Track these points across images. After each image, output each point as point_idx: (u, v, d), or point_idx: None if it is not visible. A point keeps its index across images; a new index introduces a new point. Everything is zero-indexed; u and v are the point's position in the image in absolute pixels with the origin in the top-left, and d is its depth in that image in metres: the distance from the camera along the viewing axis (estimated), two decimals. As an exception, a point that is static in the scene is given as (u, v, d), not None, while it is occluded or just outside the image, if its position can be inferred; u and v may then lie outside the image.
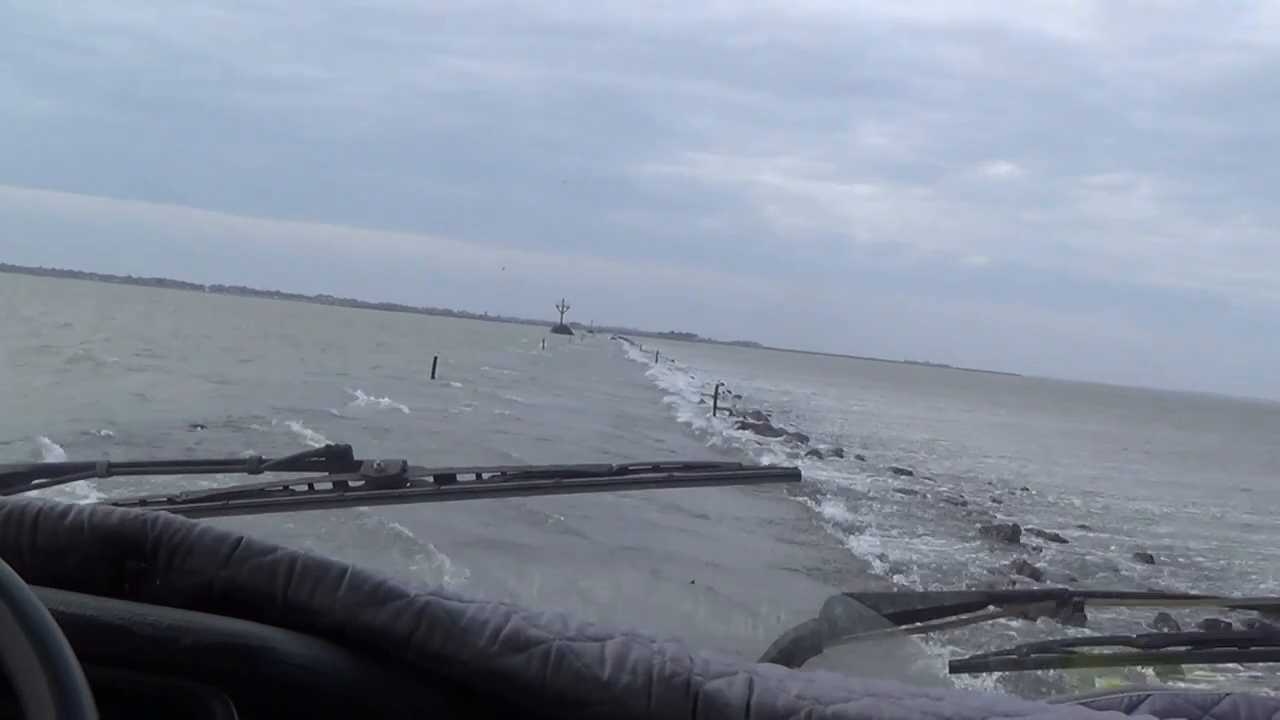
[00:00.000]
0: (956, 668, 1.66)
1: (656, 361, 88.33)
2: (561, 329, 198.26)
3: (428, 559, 9.64)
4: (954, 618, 1.66)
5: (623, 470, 1.95)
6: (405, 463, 1.84)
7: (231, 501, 1.75)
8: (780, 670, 0.96)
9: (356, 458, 1.85)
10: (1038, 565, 14.59)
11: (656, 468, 1.99)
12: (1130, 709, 1.09)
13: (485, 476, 1.91)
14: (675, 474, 1.98)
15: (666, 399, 40.10)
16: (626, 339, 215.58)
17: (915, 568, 13.57)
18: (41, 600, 0.78)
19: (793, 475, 2.52)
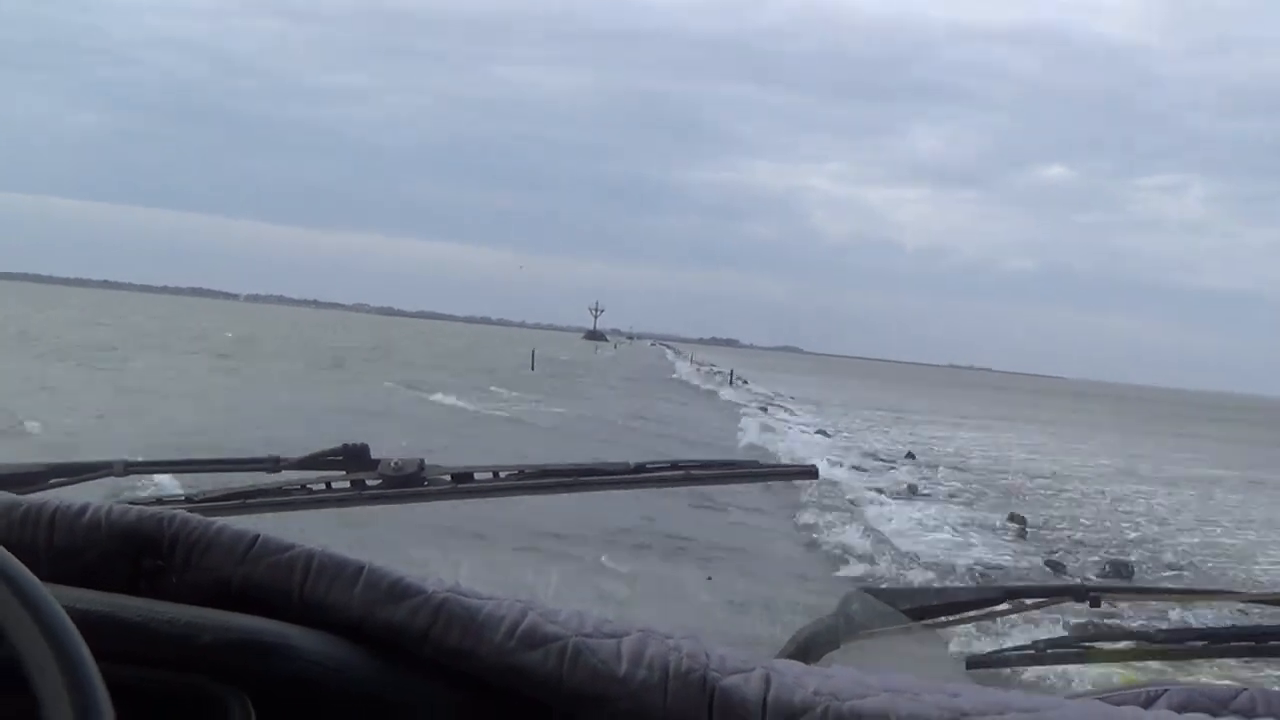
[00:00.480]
0: (974, 663, 1.65)
1: (731, 384, 58.27)
2: (595, 335, 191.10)
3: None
4: (971, 613, 1.66)
5: (640, 468, 1.95)
6: (423, 461, 1.84)
7: (249, 500, 1.75)
8: (797, 666, 0.96)
9: (374, 456, 1.85)
10: None
11: (675, 465, 1.99)
12: (1148, 704, 1.09)
13: (503, 475, 1.92)
14: (693, 472, 1.98)
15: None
16: (669, 345, 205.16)
17: None
18: (58, 598, 0.79)
19: (810, 473, 2.51)
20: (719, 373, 73.43)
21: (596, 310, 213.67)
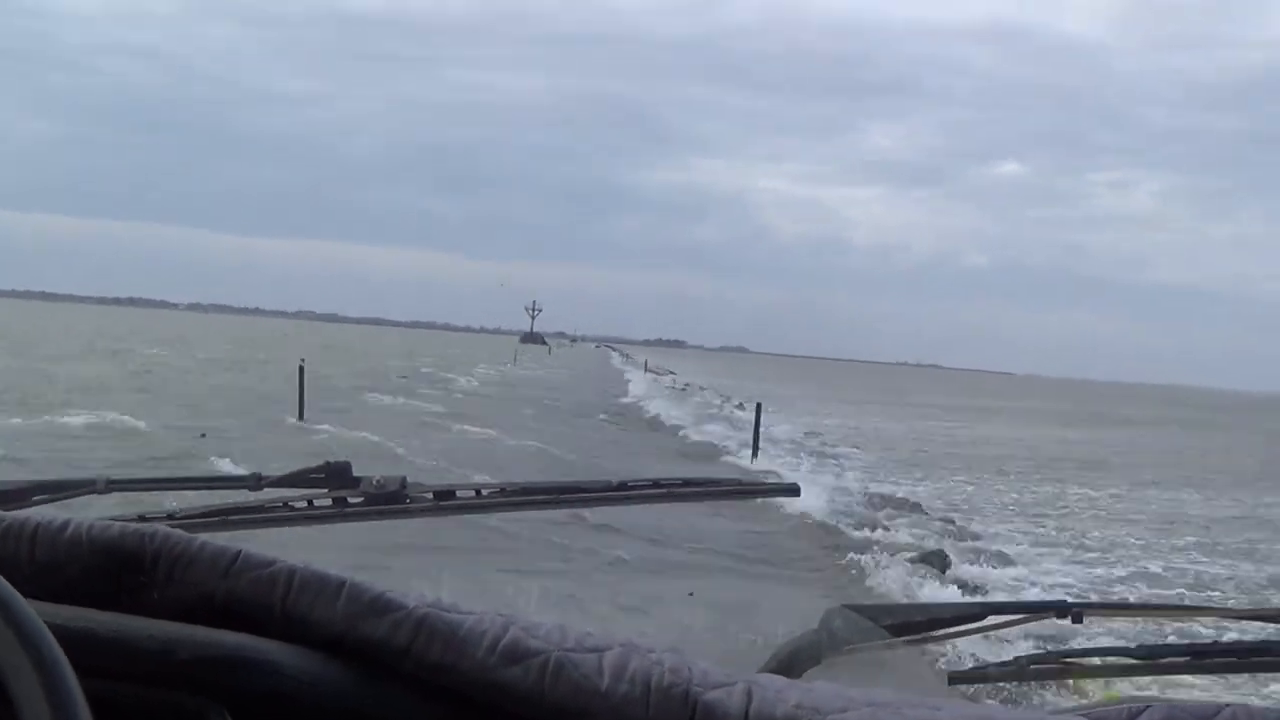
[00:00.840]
0: (955, 679, 1.66)
1: (685, 390, 56.12)
2: (532, 338, 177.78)
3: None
4: (953, 629, 1.66)
5: (622, 486, 1.96)
6: (405, 479, 1.85)
7: (231, 517, 1.75)
8: (779, 680, 0.96)
9: (356, 474, 1.85)
10: None
11: (656, 484, 1.99)
12: None
13: (485, 493, 1.92)
14: (675, 490, 1.99)
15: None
16: (614, 348, 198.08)
17: None
18: (39, 613, 0.78)
19: (792, 490, 2.53)
20: (690, 388, 61.01)
21: (534, 310, 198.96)
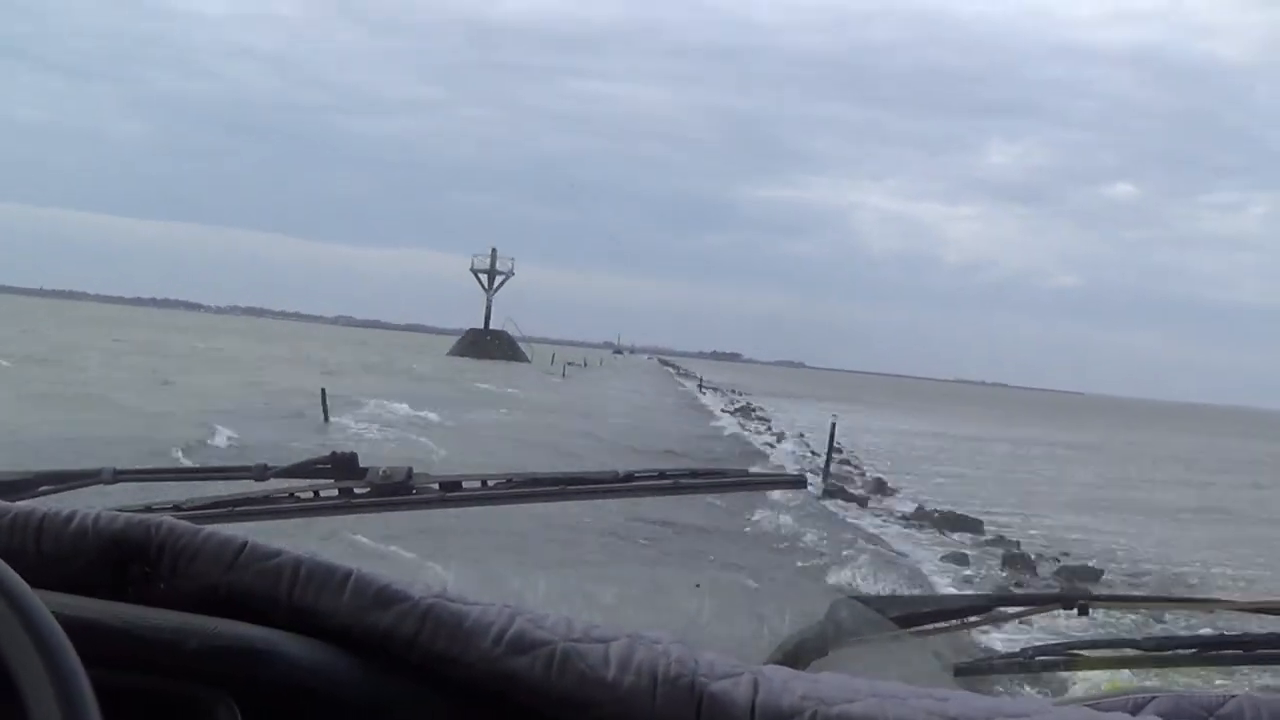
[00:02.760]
0: (962, 670, 1.66)
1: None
2: (489, 339, 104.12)
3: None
4: (959, 620, 1.66)
5: (629, 477, 1.95)
6: (411, 469, 1.85)
7: (237, 508, 1.75)
8: (785, 671, 0.96)
9: (362, 465, 1.85)
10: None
11: (662, 474, 1.99)
12: (1135, 711, 1.09)
13: (491, 484, 1.92)
14: (681, 480, 1.99)
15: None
16: (668, 362, 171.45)
17: None
18: (46, 604, 0.79)
19: (799, 482, 2.53)
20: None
21: (491, 266, 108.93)
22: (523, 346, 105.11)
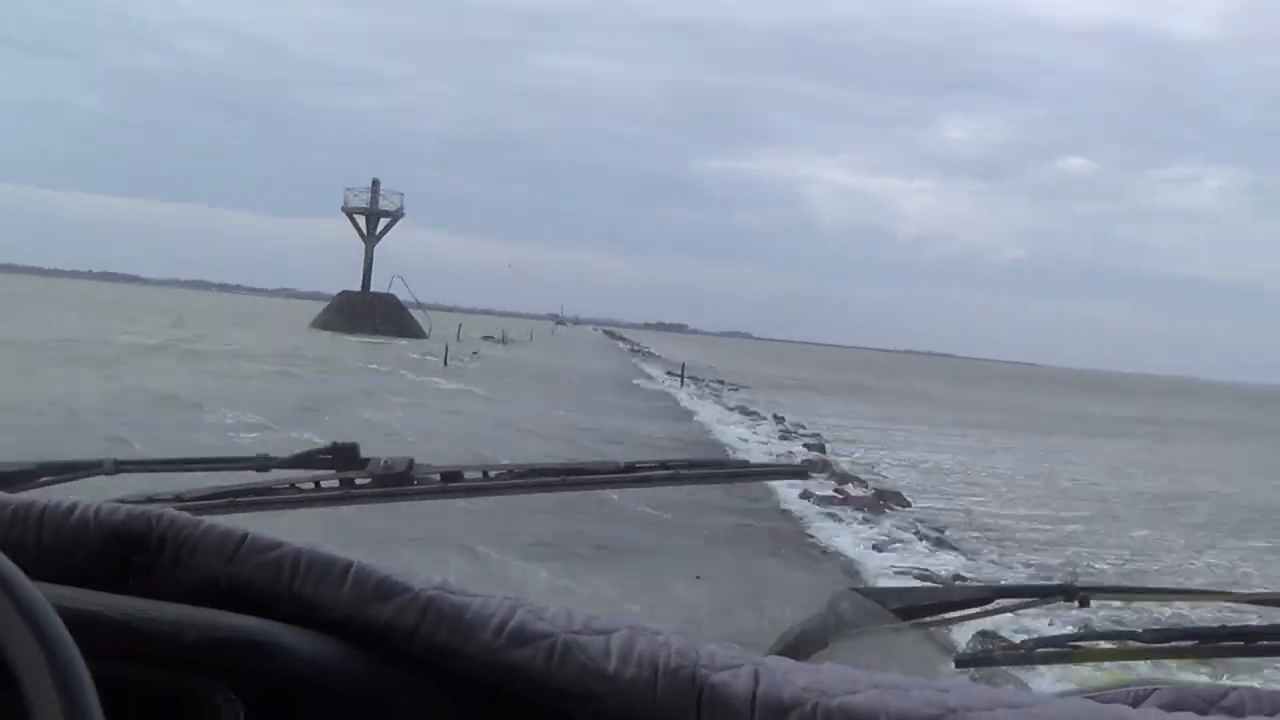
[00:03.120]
0: (962, 662, 1.66)
1: None
2: (367, 299, 76.93)
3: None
4: (960, 612, 1.66)
5: (630, 468, 1.96)
6: (412, 460, 1.85)
7: (238, 499, 1.75)
8: (786, 663, 0.96)
9: (364, 455, 1.86)
10: None
11: (664, 465, 1.99)
12: (1137, 703, 1.09)
13: (492, 474, 1.92)
14: (682, 472, 1.99)
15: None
16: (614, 334, 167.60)
17: None
18: (46, 596, 0.79)
19: (800, 473, 2.54)
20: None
21: (372, 210, 78.40)
22: (417, 315, 77.91)
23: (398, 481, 1.83)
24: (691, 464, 2.04)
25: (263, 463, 1.89)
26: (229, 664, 0.89)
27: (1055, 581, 1.79)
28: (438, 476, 1.88)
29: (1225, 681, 1.15)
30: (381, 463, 1.83)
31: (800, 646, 1.50)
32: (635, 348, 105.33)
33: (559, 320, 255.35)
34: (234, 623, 0.91)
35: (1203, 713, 1.08)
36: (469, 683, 0.92)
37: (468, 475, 1.90)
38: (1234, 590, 2.09)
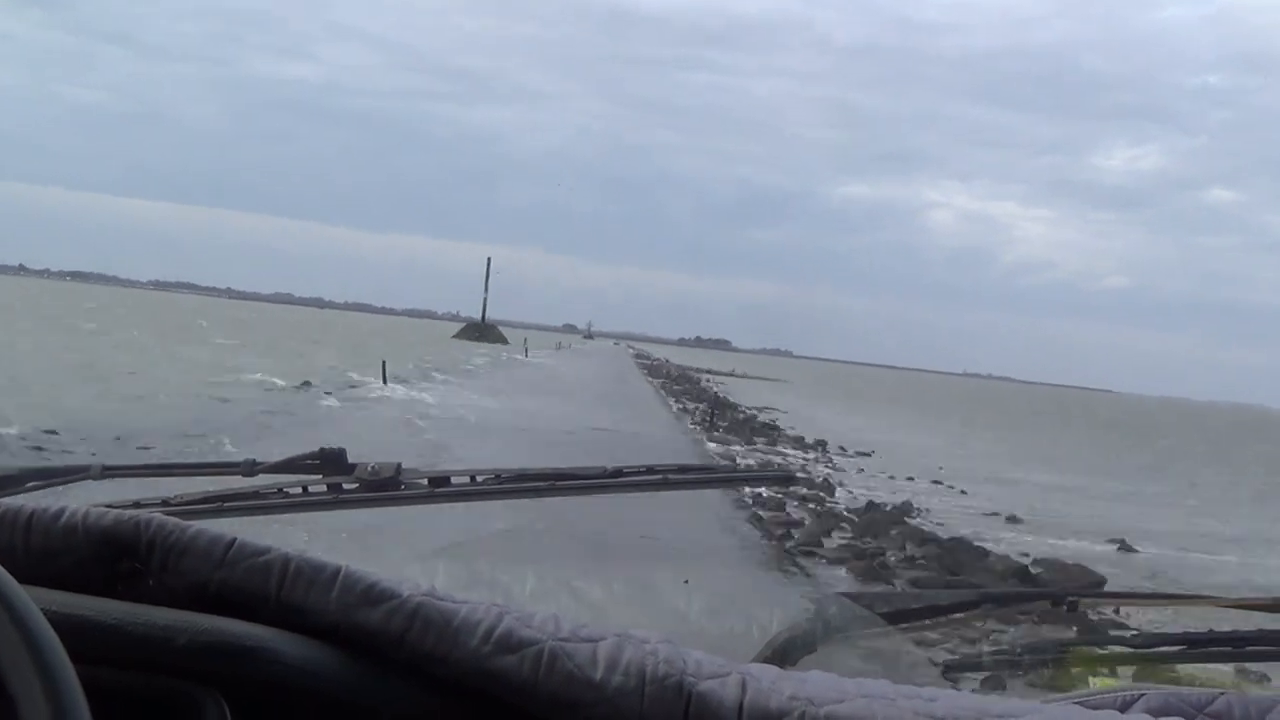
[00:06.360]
0: (951, 668, 1.66)
1: None
2: (483, 326, 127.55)
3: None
4: (949, 617, 1.67)
5: (617, 473, 1.96)
6: (400, 465, 1.85)
7: (226, 504, 1.75)
8: (773, 671, 0.96)
9: (350, 460, 1.85)
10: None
11: (651, 470, 1.99)
12: (1125, 708, 1.09)
13: (479, 479, 1.92)
14: (670, 476, 1.99)
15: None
16: (635, 347, 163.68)
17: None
18: (35, 600, 0.78)
19: (788, 478, 2.54)
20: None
21: (487, 274, 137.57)
22: (505, 332, 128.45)
23: (385, 486, 1.83)
24: (680, 468, 2.04)
25: (249, 468, 1.89)
26: (218, 669, 0.89)
27: (1044, 588, 1.79)
28: (425, 481, 1.87)
29: (1213, 687, 1.15)
30: (369, 468, 1.83)
31: (788, 652, 1.50)
32: (647, 364, 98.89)
33: (588, 334, 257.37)
34: (223, 628, 0.91)
35: (1190, 718, 1.08)
36: (456, 689, 0.92)
37: (455, 480, 1.90)
38: (1222, 596, 2.10)
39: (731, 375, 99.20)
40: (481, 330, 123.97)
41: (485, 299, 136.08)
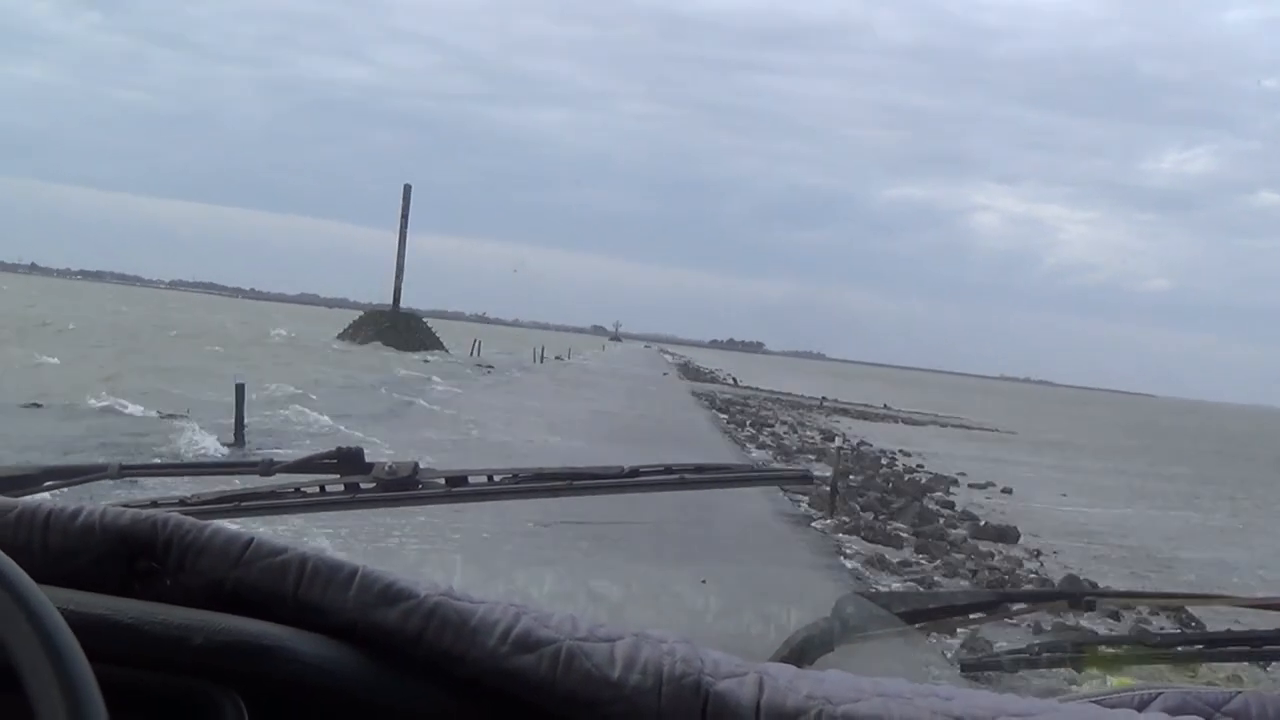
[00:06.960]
0: (968, 667, 1.66)
1: None
2: (392, 318, 73.74)
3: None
4: (965, 616, 1.66)
5: (634, 472, 1.95)
6: (417, 464, 1.85)
7: (243, 503, 1.75)
8: (790, 670, 0.96)
9: (368, 460, 1.86)
10: None
11: (668, 469, 1.99)
12: (1142, 707, 1.09)
13: (497, 479, 1.92)
14: (687, 476, 1.99)
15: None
16: (668, 351, 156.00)
17: None
18: (52, 599, 0.79)
19: (804, 477, 2.53)
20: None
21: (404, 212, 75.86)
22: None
23: (402, 486, 1.83)
24: (697, 468, 2.03)
25: (266, 467, 1.89)
26: (235, 668, 0.89)
27: (1062, 588, 1.79)
28: (442, 481, 1.88)
29: (1230, 686, 1.15)
30: (386, 467, 1.83)
31: (805, 652, 1.50)
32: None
33: (614, 336, 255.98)
34: (240, 627, 0.91)
35: (1208, 717, 1.08)
36: (474, 688, 0.92)
37: (472, 480, 1.90)
38: (1239, 595, 2.09)
39: (847, 411, 54.65)
40: (386, 324, 72.11)
41: (398, 286, 75.44)
